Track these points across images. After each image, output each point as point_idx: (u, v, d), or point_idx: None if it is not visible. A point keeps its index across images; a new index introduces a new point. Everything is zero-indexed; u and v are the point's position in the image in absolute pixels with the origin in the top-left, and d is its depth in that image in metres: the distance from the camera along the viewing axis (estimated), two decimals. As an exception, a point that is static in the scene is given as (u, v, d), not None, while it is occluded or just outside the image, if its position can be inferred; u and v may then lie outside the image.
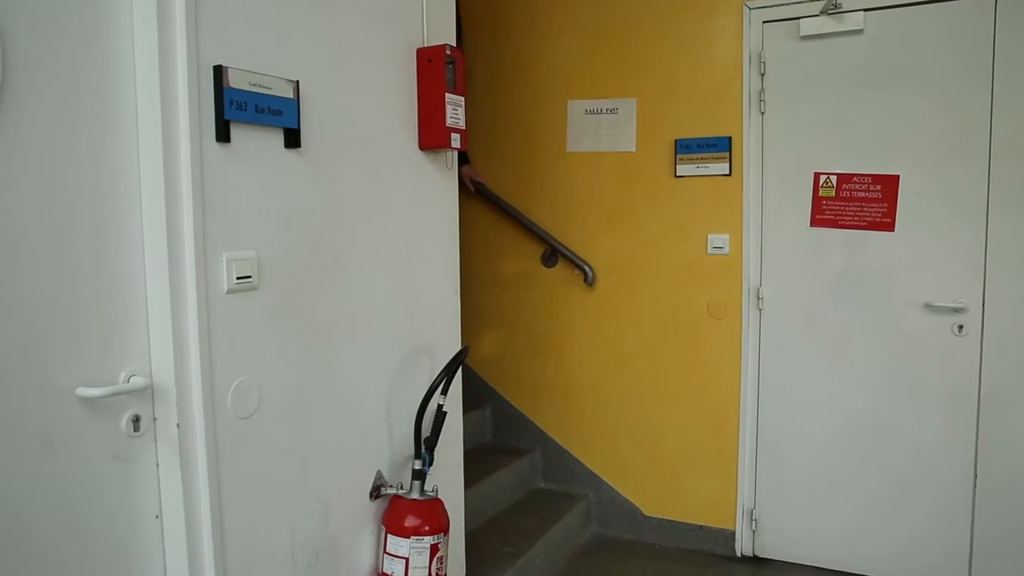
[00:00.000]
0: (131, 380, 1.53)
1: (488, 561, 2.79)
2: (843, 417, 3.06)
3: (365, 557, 2.12)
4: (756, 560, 3.27)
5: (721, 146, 3.18)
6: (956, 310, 2.84)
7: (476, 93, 3.59)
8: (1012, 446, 2.80)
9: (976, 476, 2.86)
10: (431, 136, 2.22)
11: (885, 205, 2.93)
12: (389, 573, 2.07)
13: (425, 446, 2.15)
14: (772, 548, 3.25)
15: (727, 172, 3.17)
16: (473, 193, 3.59)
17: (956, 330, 2.85)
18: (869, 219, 2.96)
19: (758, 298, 3.17)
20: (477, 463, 3.07)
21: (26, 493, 1.38)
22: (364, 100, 2.04)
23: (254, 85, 1.66)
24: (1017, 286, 2.76)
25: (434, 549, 2.07)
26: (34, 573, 1.40)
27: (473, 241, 3.61)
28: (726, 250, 3.20)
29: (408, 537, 2.04)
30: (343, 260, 1.98)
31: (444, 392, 2.19)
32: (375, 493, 2.13)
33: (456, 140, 2.24)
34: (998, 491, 2.83)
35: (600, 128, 3.40)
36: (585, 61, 3.44)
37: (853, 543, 3.08)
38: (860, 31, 2.90)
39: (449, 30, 2.34)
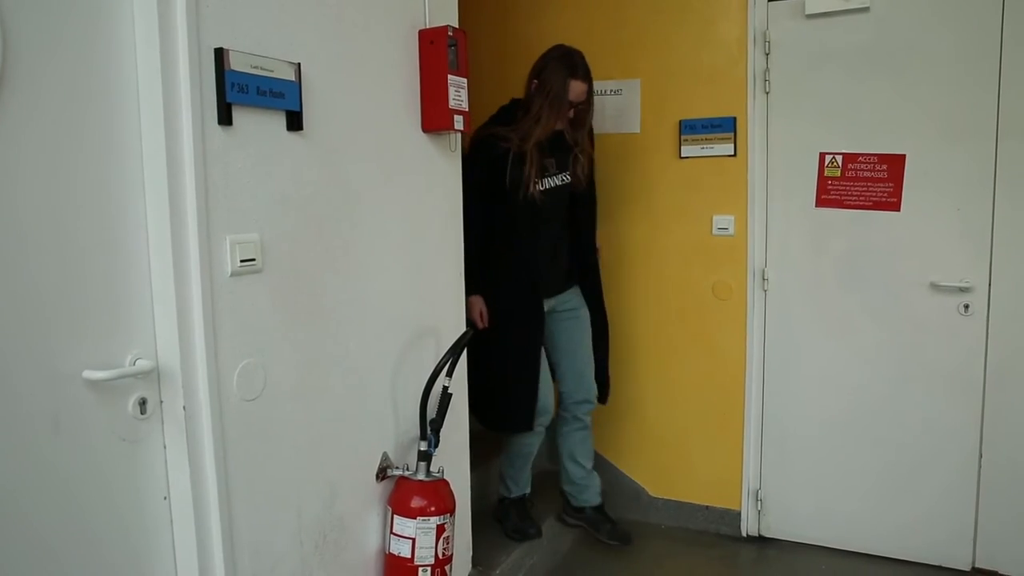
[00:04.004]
0: (137, 363, 1.53)
1: (494, 541, 2.81)
2: (848, 397, 3.06)
3: (372, 538, 2.13)
4: (761, 540, 3.28)
5: (726, 127, 3.16)
6: (962, 290, 2.83)
7: (479, 76, 3.57)
8: (1017, 425, 2.80)
9: (981, 455, 2.86)
10: (434, 118, 2.21)
11: (891, 185, 2.91)
12: (396, 553, 2.08)
13: (431, 427, 2.16)
14: (777, 528, 3.27)
15: (732, 153, 3.15)
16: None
17: (962, 309, 2.84)
18: (875, 199, 2.94)
19: (763, 279, 3.16)
20: (483, 445, 3.08)
21: (34, 475, 1.40)
22: (366, 82, 2.03)
23: (255, 67, 1.66)
24: (1024, 265, 2.75)
25: (440, 529, 2.08)
26: (43, 555, 1.42)
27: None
28: (731, 231, 3.19)
29: (414, 518, 2.06)
30: (347, 242, 1.98)
31: (449, 374, 2.20)
32: (381, 474, 2.14)
33: (459, 122, 2.23)
34: (1003, 470, 2.83)
35: (604, 109, 3.37)
36: (589, 41, 3.39)
37: (858, 523, 3.09)
38: (867, 9, 2.86)
39: (451, 11, 2.33)
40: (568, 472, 3.14)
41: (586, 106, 2.85)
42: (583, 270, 3.08)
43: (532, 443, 3.00)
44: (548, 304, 2.94)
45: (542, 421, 2.94)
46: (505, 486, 3.05)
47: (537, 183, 2.79)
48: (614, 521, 3.16)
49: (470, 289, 2.68)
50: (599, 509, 3.16)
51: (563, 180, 2.91)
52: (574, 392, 3.04)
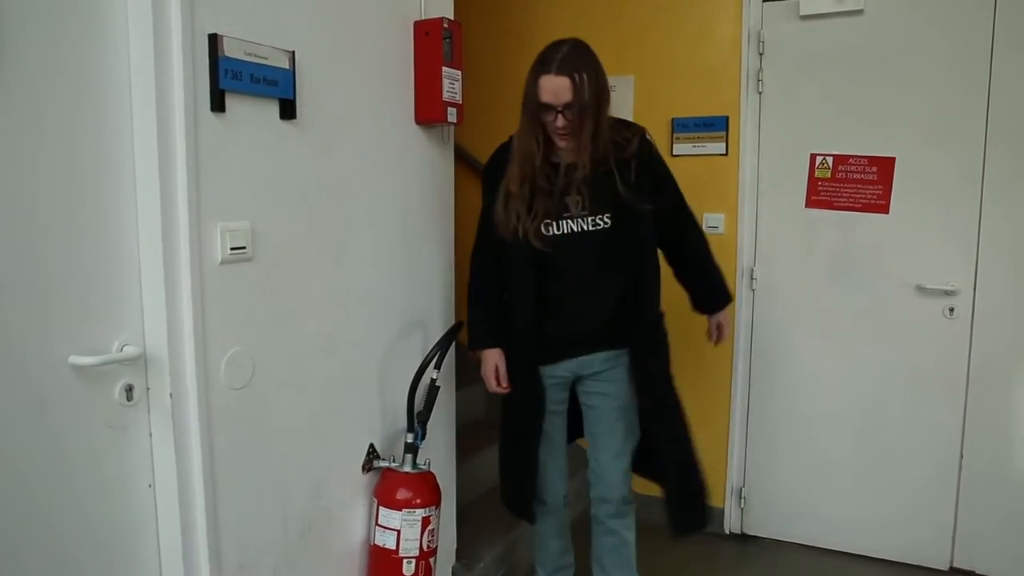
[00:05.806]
0: (124, 349, 1.53)
1: (479, 535, 2.81)
2: (833, 397, 3.08)
3: (357, 529, 2.13)
4: (744, 537, 3.30)
5: (718, 126, 3.17)
6: (948, 293, 2.85)
7: (473, 69, 3.56)
8: (997, 427, 2.83)
9: (962, 456, 2.89)
10: (427, 110, 2.21)
11: (880, 187, 2.93)
12: (381, 545, 2.08)
13: (418, 420, 2.16)
14: (760, 526, 3.29)
15: (723, 152, 3.16)
16: None
17: (947, 312, 2.86)
18: (864, 201, 2.96)
19: (751, 278, 3.18)
20: (469, 439, 3.08)
21: (20, 461, 1.39)
22: (360, 72, 2.02)
23: (249, 55, 1.65)
24: (1008, 270, 2.77)
25: (426, 522, 2.08)
26: (29, 539, 1.41)
27: (468, 217, 3.59)
28: (721, 230, 3.20)
29: (400, 510, 2.06)
30: (337, 232, 1.98)
31: (437, 367, 2.19)
32: (367, 466, 2.14)
33: (452, 114, 2.23)
34: (982, 471, 2.86)
35: (597, 105, 3.37)
36: (582, 35, 3.39)
37: (840, 522, 3.12)
38: (860, 11, 2.87)
39: (446, 2, 2.32)
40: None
41: (576, 110, 1.99)
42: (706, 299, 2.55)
43: (543, 526, 2.50)
44: (570, 368, 2.30)
45: (545, 511, 2.44)
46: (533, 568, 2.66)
47: (547, 225, 2.13)
48: None
49: (484, 340, 2.27)
50: None
51: (594, 224, 2.15)
52: (592, 485, 2.40)
